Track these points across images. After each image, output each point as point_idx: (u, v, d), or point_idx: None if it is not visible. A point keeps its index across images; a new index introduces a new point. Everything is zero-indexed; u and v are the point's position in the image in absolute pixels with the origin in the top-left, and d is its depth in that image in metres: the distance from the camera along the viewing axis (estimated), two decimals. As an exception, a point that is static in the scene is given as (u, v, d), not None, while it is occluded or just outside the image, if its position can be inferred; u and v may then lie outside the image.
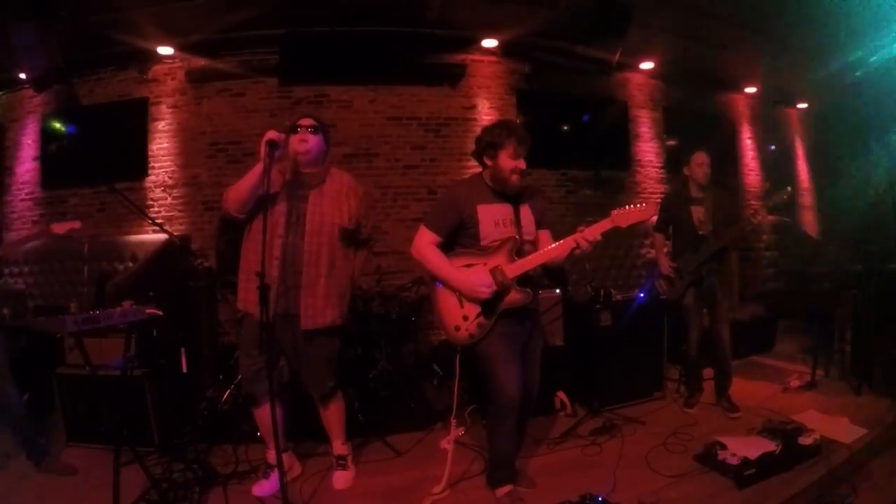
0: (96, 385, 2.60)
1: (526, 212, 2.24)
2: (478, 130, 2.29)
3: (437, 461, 2.54)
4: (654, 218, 3.26)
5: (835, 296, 3.89)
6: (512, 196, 2.22)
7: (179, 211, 4.83)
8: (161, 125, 4.86)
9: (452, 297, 2.16)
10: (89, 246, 4.62)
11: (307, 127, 2.25)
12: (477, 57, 5.21)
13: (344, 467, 2.48)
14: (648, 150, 5.90)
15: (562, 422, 3.14)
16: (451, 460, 2.37)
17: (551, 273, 3.50)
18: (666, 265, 3.25)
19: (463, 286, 2.11)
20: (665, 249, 3.36)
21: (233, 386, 3.25)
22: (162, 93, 4.87)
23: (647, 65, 5.69)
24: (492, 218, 2.16)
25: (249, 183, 2.12)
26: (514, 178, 2.15)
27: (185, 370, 2.86)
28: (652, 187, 5.86)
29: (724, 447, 2.42)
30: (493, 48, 5.17)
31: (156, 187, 4.85)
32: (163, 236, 4.23)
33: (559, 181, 5.43)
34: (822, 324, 3.87)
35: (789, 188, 3.14)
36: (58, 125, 4.92)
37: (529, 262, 2.12)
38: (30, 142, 5.01)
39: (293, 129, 2.24)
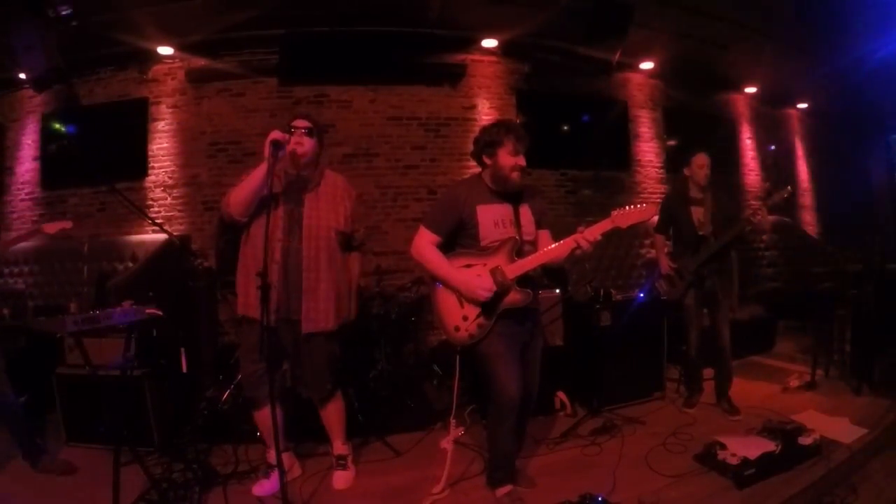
0: (96, 385, 2.60)
1: (525, 212, 2.24)
2: (478, 130, 2.29)
3: (437, 461, 2.54)
4: (655, 218, 3.27)
5: (835, 296, 3.90)
6: (511, 196, 2.21)
7: (179, 211, 4.83)
8: (161, 125, 4.86)
9: (452, 297, 2.16)
10: (89, 246, 4.63)
11: (302, 129, 2.23)
12: (477, 57, 5.21)
13: (344, 467, 2.48)
14: (648, 150, 5.90)
15: (562, 422, 3.14)
16: (450, 460, 2.37)
17: (551, 273, 3.50)
18: (667, 266, 3.24)
19: (462, 287, 2.11)
20: (665, 250, 3.36)
21: (233, 386, 3.25)
22: (162, 93, 4.87)
23: (647, 65, 5.69)
24: (491, 218, 2.15)
25: (253, 184, 2.10)
26: (515, 175, 2.15)
27: (185, 370, 2.86)
28: (652, 187, 5.86)
29: (723, 447, 2.42)
30: (493, 48, 5.17)
31: (156, 187, 4.85)
32: (163, 236, 4.24)
33: (559, 181, 5.43)
34: (822, 324, 3.87)
35: (789, 188, 3.13)
36: (58, 125, 4.93)
37: (529, 263, 2.12)
38: (30, 142, 5.02)
39: (287, 131, 2.22)
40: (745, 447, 2.37)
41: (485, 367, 2.15)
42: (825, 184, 7.50)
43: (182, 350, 2.86)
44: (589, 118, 5.60)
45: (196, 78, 4.81)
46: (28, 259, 4.70)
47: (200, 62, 4.79)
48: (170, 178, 4.84)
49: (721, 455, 2.38)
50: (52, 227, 2.82)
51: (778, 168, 7.00)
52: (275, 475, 2.13)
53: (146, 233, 4.63)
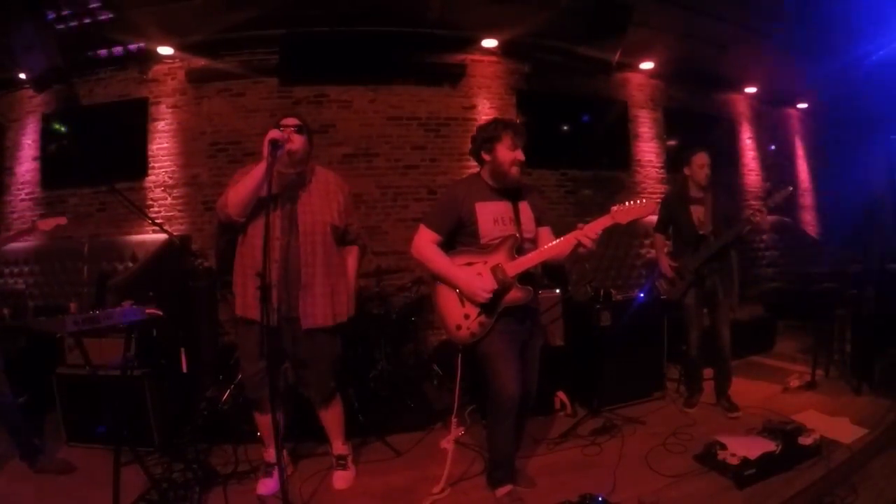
0: (96, 385, 2.60)
1: (525, 209, 2.24)
2: (475, 129, 2.29)
3: (437, 461, 2.54)
4: (655, 217, 3.27)
5: (835, 296, 3.89)
6: (511, 194, 2.22)
7: (179, 211, 4.83)
8: (161, 125, 4.87)
9: (453, 295, 2.16)
10: (89, 246, 4.63)
11: (291, 126, 2.21)
12: (477, 57, 5.21)
13: (344, 467, 2.48)
14: (648, 150, 5.91)
15: (562, 422, 3.14)
16: (451, 460, 2.37)
17: (551, 273, 3.50)
18: (667, 265, 3.24)
19: (463, 285, 2.11)
20: (665, 249, 3.36)
21: (233, 386, 3.25)
22: (162, 93, 4.87)
23: (647, 65, 5.69)
24: (491, 216, 2.16)
25: (252, 184, 2.09)
26: (514, 170, 2.15)
27: (185, 370, 2.86)
28: (652, 187, 5.86)
29: (724, 447, 2.41)
30: (493, 48, 5.18)
31: (156, 187, 4.86)
32: (163, 236, 4.24)
33: (559, 181, 5.43)
34: (822, 324, 3.87)
35: (790, 188, 3.13)
36: (58, 125, 4.93)
37: (530, 260, 2.12)
38: (30, 142, 5.02)
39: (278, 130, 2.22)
40: (746, 447, 2.37)
41: (485, 365, 2.15)
42: (825, 184, 7.50)
43: (182, 350, 2.86)
44: (589, 118, 5.60)
45: (196, 78, 4.81)
46: (28, 259, 4.70)
47: (200, 62, 4.80)
48: (170, 178, 4.84)
49: (721, 455, 2.38)
50: (47, 224, 2.81)
51: (778, 168, 7.00)
52: (277, 474, 2.13)
53: (146, 233, 4.63)
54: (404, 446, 2.83)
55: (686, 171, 3.19)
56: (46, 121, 4.95)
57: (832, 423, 2.81)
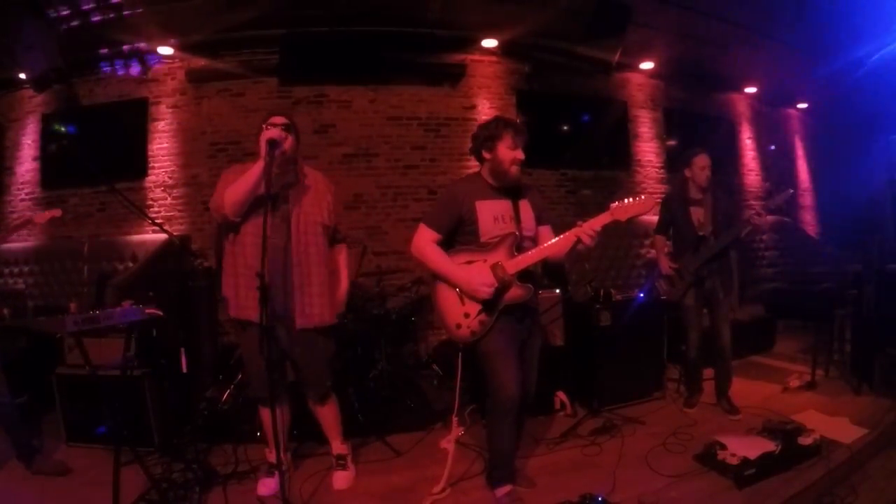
0: (96, 385, 2.60)
1: (525, 207, 2.24)
2: (476, 128, 2.29)
3: (437, 461, 2.54)
4: (654, 217, 3.26)
5: (835, 296, 3.89)
6: (511, 192, 2.22)
7: (179, 211, 4.83)
8: (161, 125, 4.87)
9: (453, 294, 2.16)
10: (89, 246, 4.63)
11: (279, 125, 2.21)
12: (477, 57, 5.22)
13: (344, 467, 2.48)
14: (648, 150, 5.91)
15: (562, 422, 3.14)
16: (451, 460, 2.37)
17: (551, 273, 3.50)
18: (667, 266, 3.24)
19: (463, 283, 2.11)
20: (665, 250, 3.36)
21: (233, 386, 3.25)
22: (162, 93, 4.87)
23: (647, 65, 5.70)
24: (491, 214, 2.16)
25: (249, 184, 2.09)
26: (514, 169, 2.15)
27: (185, 370, 2.86)
28: (652, 187, 5.87)
29: (723, 447, 2.42)
30: (493, 48, 5.18)
31: (156, 187, 4.86)
32: (163, 236, 4.24)
33: (559, 181, 5.44)
34: (822, 324, 3.87)
35: (791, 190, 3.13)
36: (58, 125, 4.93)
37: (530, 258, 2.12)
38: (30, 142, 5.02)
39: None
40: (745, 447, 2.37)
41: (485, 364, 2.15)
42: (825, 184, 7.51)
43: (182, 350, 2.86)
44: (589, 118, 5.60)
45: (196, 78, 4.81)
46: (28, 259, 4.71)
47: (200, 62, 4.80)
48: (170, 178, 4.85)
49: (721, 455, 2.38)
50: (42, 217, 2.82)
51: (778, 168, 7.00)
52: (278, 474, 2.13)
53: (146, 233, 4.63)
54: (404, 446, 2.83)
55: (686, 172, 3.19)
56: (46, 121, 4.95)
57: (832, 423, 2.81)
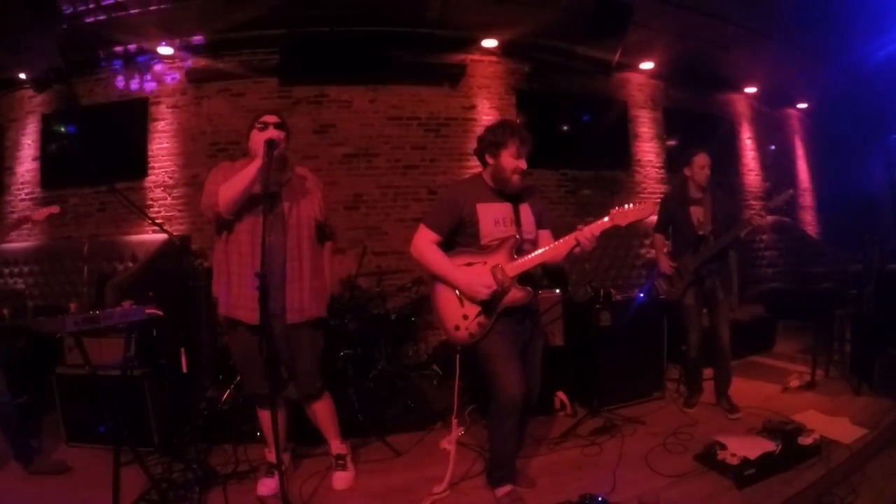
0: (96, 385, 2.60)
1: (526, 211, 2.24)
2: (478, 130, 2.30)
3: (437, 461, 2.54)
4: (654, 217, 3.26)
5: (835, 296, 3.89)
6: (512, 195, 2.22)
7: (179, 211, 4.83)
8: (161, 125, 4.87)
9: (452, 296, 2.16)
10: (89, 246, 4.63)
11: (271, 124, 2.22)
12: (477, 57, 5.22)
13: (343, 467, 2.48)
14: (648, 150, 5.91)
15: (562, 422, 3.13)
16: (453, 460, 2.37)
17: (551, 273, 3.50)
18: (666, 265, 3.24)
19: (462, 285, 2.11)
20: (665, 249, 3.36)
21: (233, 386, 3.25)
22: (162, 93, 4.87)
23: (647, 65, 5.70)
24: (492, 216, 2.16)
25: (245, 182, 2.09)
26: (515, 178, 2.16)
27: (185, 370, 2.86)
28: (652, 187, 5.86)
29: (723, 447, 2.42)
30: (493, 48, 5.18)
31: (156, 187, 4.86)
32: (163, 236, 4.25)
33: (559, 181, 5.44)
34: (822, 324, 3.87)
35: (791, 191, 3.13)
36: (58, 125, 4.93)
37: (530, 261, 2.12)
38: (30, 142, 5.02)
39: (261, 127, 2.20)
40: (745, 447, 2.37)
41: (486, 366, 2.15)
42: (825, 184, 7.50)
43: (182, 350, 2.86)
44: (589, 118, 5.60)
45: (196, 78, 4.81)
46: (28, 259, 4.71)
47: (200, 62, 4.80)
48: (170, 178, 4.85)
49: (721, 455, 2.38)
50: (40, 214, 2.82)
51: (778, 168, 7.00)
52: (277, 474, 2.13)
53: (146, 233, 4.63)
54: (404, 446, 2.83)
55: (686, 171, 3.19)
56: (46, 121, 4.96)
57: (832, 423, 2.81)
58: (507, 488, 2.24)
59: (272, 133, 2.08)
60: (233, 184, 2.11)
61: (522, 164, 2.14)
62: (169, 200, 4.84)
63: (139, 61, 4.81)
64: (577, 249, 2.08)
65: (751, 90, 6.59)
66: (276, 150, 2.10)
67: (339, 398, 2.52)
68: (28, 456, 2.58)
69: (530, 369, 2.26)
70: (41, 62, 4.08)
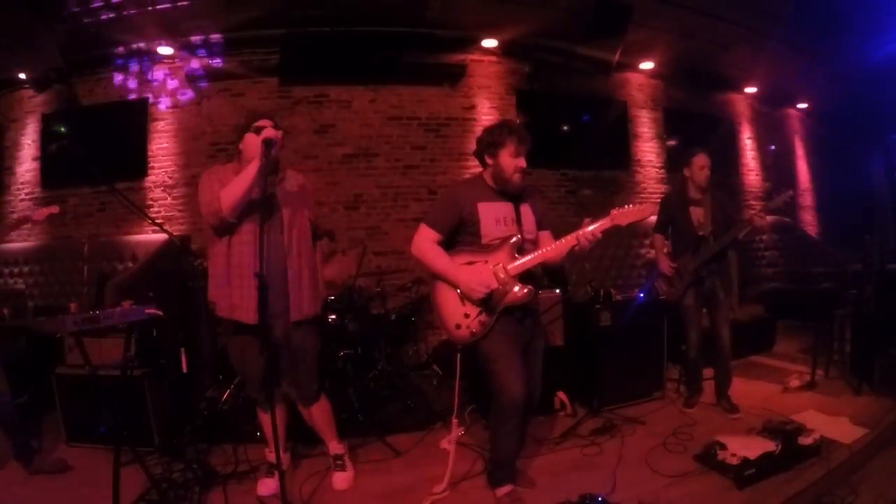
0: (96, 385, 2.60)
1: (527, 210, 2.25)
2: (478, 130, 2.30)
3: (437, 461, 2.54)
4: (654, 218, 3.26)
5: (835, 296, 3.89)
6: (513, 195, 2.22)
7: (179, 211, 4.83)
8: (161, 125, 4.87)
9: (453, 294, 2.16)
10: (89, 246, 4.63)
11: (268, 127, 2.20)
12: (477, 57, 5.21)
13: (342, 468, 2.47)
14: (648, 150, 5.91)
15: (562, 422, 3.14)
16: (453, 460, 2.37)
17: (551, 273, 3.50)
18: (666, 266, 3.24)
19: (463, 284, 2.11)
20: (665, 250, 3.36)
21: (233, 386, 3.25)
22: (162, 93, 4.86)
23: (647, 65, 5.69)
24: (493, 216, 2.16)
25: (246, 184, 2.08)
26: (516, 177, 2.16)
27: (185, 370, 2.86)
28: (652, 187, 5.86)
29: (723, 447, 2.42)
30: (493, 48, 5.18)
31: (156, 187, 4.86)
32: (163, 236, 4.24)
33: (559, 181, 5.44)
34: (822, 324, 3.87)
35: (791, 192, 3.13)
36: (58, 125, 4.92)
37: (532, 260, 2.13)
38: (30, 142, 5.02)
39: (257, 131, 2.18)
40: (745, 447, 2.37)
41: (487, 367, 2.15)
42: (825, 184, 7.50)
43: (182, 350, 2.86)
44: (589, 118, 5.60)
45: (196, 78, 4.80)
46: (28, 259, 4.71)
47: (200, 62, 4.79)
48: (170, 178, 4.85)
49: (721, 455, 2.38)
50: (40, 214, 2.82)
51: (778, 168, 7.00)
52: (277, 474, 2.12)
53: (146, 233, 4.63)
54: (404, 446, 2.83)
55: (686, 171, 3.19)
56: (46, 121, 4.95)
57: (832, 423, 2.81)
58: (507, 488, 2.24)
59: (269, 132, 2.08)
60: (234, 187, 2.10)
61: (522, 163, 2.15)
62: (169, 200, 4.84)
63: (139, 61, 4.81)
64: (577, 248, 2.09)
65: (751, 90, 6.59)
66: (274, 148, 2.09)
67: (338, 398, 2.53)
68: (28, 455, 2.58)
69: (531, 369, 2.26)
70: (41, 62, 4.08)
